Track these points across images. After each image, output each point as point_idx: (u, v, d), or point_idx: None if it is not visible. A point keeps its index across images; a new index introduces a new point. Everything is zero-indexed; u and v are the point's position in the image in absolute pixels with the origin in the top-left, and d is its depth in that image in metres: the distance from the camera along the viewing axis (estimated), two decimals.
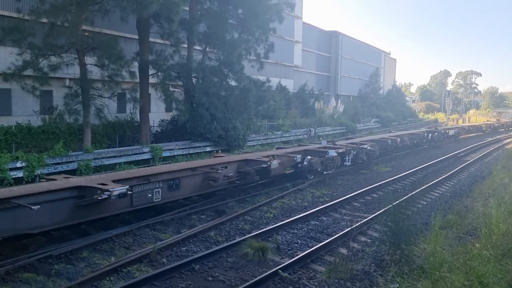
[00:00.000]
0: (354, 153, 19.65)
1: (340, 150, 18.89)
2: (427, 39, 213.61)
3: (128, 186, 10.07)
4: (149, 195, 11.21)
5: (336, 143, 21.24)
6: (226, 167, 13.90)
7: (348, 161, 19.27)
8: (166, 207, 12.54)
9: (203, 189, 13.24)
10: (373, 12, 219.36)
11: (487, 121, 59.74)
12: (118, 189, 9.65)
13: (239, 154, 18.27)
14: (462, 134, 39.54)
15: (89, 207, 9.77)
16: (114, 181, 10.34)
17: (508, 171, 19.25)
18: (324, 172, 17.79)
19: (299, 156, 16.78)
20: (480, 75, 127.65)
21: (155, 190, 11.35)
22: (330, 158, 17.97)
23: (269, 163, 14.73)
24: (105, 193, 9.43)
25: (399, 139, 25.59)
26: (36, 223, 9.00)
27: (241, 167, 14.54)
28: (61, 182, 10.14)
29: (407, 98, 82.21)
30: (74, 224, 10.02)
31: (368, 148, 20.91)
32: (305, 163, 16.91)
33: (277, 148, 19.54)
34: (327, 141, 22.02)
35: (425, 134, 31.37)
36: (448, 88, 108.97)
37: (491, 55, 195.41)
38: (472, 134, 43.52)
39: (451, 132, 36.21)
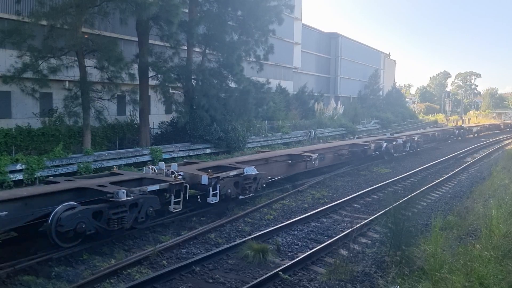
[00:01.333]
0: (410, 142, 26.32)
1: (404, 139, 25.61)
2: (426, 40, 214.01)
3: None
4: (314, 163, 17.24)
5: (395, 135, 28.62)
6: (343, 149, 21.01)
7: (407, 148, 26.03)
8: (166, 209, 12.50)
9: (335, 161, 20.48)
10: (372, 14, 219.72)
11: (504, 120, 67.55)
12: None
13: (348, 139, 26.29)
14: (483, 131, 46.38)
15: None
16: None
17: (508, 172, 19.25)
18: (395, 155, 24.54)
19: (384, 143, 23.55)
20: (480, 76, 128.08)
21: (319, 158, 17.73)
22: (400, 144, 24.83)
23: (368, 146, 21.96)
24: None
25: (436, 133, 33.44)
26: None
27: (352, 148, 21.75)
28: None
29: (406, 100, 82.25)
30: None
31: (417, 139, 27.68)
32: (383, 148, 23.44)
33: (358, 138, 27.61)
34: (391, 133, 29.94)
35: (454, 130, 38.42)
36: (447, 89, 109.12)
37: (490, 56, 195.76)
38: (490, 132, 49.47)
39: (475, 129, 43.68)
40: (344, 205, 14.21)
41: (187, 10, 22.81)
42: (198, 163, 14.74)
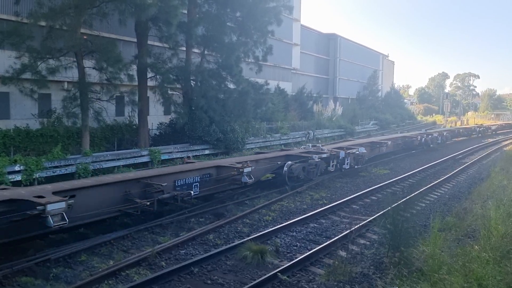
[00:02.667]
0: (441, 136, 33.13)
1: (437, 134, 32.72)
2: (425, 42, 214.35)
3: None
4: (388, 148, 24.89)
5: (427, 131, 35.09)
6: (396, 140, 27.53)
7: (439, 140, 32.47)
8: (165, 211, 12.51)
9: (395, 148, 26.79)
10: (371, 15, 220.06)
11: None
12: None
13: (399, 133, 34.65)
14: (499, 129, 52.73)
15: None
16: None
17: (506, 173, 19.28)
18: (431, 145, 30.97)
19: (425, 136, 30.62)
20: (478, 77, 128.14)
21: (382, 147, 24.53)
22: (435, 137, 31.90)
23: (418, 137, 29.31)
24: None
25: (461, 130, 41.69)
26: None
27: (404, 139, 28.30)
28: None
29: (405, 101, 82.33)
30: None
31: (446, 134, 34.53)
32: (423, 140, 29.82)
33: (400, 132, 36.39)
34: (425, 129, 37.45)
35: (475, 128, 46.11)
36: (446, 90, 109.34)
37: (489, 57, 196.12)
38: (506, 130, 54.62)
39: (493, 127, 51.34)
40: (342, 206, 14.22)
41: (186, 11, 22.80)
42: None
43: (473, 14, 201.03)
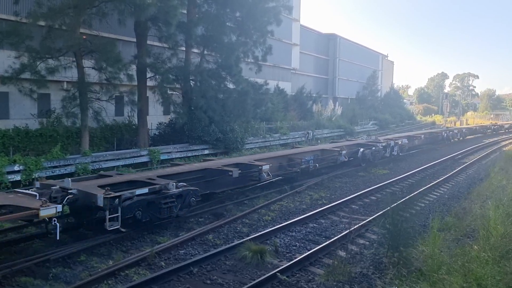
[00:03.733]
0: (461, 132, 38.47)
1: (457, 131, 37.92)
2: (424, 42, 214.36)
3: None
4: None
5: (450, 128, 41.70)
6: (426, 135, 32.37)
7: (459, 136, 37.95)
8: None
9: (426, 141, 31.86)
10: (370, 15, 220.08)
11: None
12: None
13: (426, 130, 39.99)
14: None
15: None
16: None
17: (506, 173, 19.29)
18: (452, 140, 36.10)
19: (447, 132, 35.76)
20: (478, 77, 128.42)
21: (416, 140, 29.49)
22: (455, 133, 37.06)
23: (442, 133, 34.19)
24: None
25: (478, 127, 47.75)
26: None
27: (431, 135, 33.17)
28: None
29: (404, 101, 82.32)
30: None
31: (464, 131, 39.77)
32: (445, 135, 34.05)
33: (431, 129, 42.20)
34: (446, 127, 43.30)
35: (490, 126, 51.61)
36: (445, 91, 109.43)
37: (488, 57, 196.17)
38: None
39: (506, 126, 57.01)
40: (342, 206, 14.22)
41: (185, 11, 22.82)
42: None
43: (472, 14, 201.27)
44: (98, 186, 10.32)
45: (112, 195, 9.48)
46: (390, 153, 23.88)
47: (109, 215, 9.47)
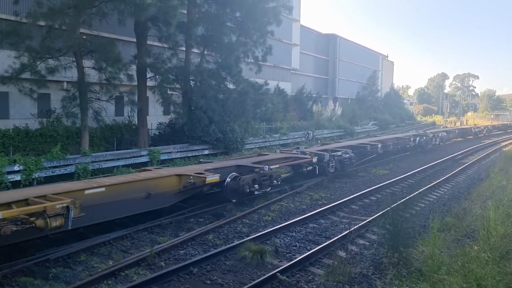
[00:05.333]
0: (484, 130, 45.49)
1: (479, 129, 44.01)
2: (424, 42, 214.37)
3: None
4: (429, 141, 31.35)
5: (471, 126, 47.71)
6: (460, 130, 41.77)
7: (484, 132, 45.66)
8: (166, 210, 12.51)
9: (458, 135, 40.07)
10: (370, 15, 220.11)
11: None
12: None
13: (442, 128, 45.94)
14: None
15: None
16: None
17: (506, 173, 19.29)
18: (479, 135, 42.92)
19: (474, 129, 43.79)
20: (478, 77, 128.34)
21: (451, 134, 38.01)
22: (481, 130, 43.98)
23: (471, 129, 43.02)
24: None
25: (497, 125, 54.48)
26: None
27: (462, 130, 41.41)
28: None
29: (404, 101, 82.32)
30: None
31: (482, 129, 45.26)
32: (473, 131, 41.27)
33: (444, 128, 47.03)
34: (461, 125, 50.25)
35: (510, 124, 57.76)
36: (445, 91, 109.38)
37: (488, 58, 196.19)
38: None
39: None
40: (342, 206, 14.22)
41: (185, 11, 22.81)
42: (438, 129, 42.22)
43: (472, 15, 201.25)
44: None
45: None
46: (435, 142, 31.58)
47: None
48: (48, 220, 8.28)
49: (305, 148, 20.04)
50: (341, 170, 19.11)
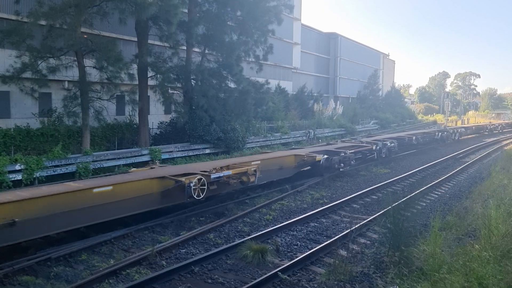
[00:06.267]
0: (499, 127, 49.82)
1: (497, 124, 49.54)
2: (425, 41, 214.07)
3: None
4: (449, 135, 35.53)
5: (491, 123, 52.25)
6: (476, 126, 47.42)
7: (499, 129, 49.13)
8: (163, 211, 12.52)
9: (474, 132, 44.79)
10: (371, 14, 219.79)
11: None
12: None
13: (475, 123, 52.89)
14: None
15: None
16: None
17: (507, 172, 19.26)
18: (494, 132, 47.16)
19: (490, 126, 48.63)
20: (479, 76, 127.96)
21: (468, 130, 43.20)
22: (496, 127, 49.63)
23: (487, 126, 48.67)
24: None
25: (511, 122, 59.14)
26: None
27: (478, 126, 47.31)
28: None
29: (406, 100, 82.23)
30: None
31: (497, 125, 51.13)
32: (489, 128, 47.50)
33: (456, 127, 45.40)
34: (490, 122, 54.62)
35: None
36: (447, 90, 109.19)
37: (489, 56, 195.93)
38: None
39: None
40: (343, 205, 14.22)
41: (186, 10, 22.81)
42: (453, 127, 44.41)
43: (474, 13, 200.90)
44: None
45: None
46: (454, 137, 35.42)
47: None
48: (249, 177, 13.11)
49: (362, 138, 27.04)
50: (389, 155, 23.93)
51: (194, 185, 11.40)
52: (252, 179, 13.21)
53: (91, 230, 10.65)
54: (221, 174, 12.43)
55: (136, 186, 10.93)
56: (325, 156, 17.67)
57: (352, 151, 19.64)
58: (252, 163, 14.10)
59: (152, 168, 13.92)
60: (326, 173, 17.99)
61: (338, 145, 21.81)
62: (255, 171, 13.36)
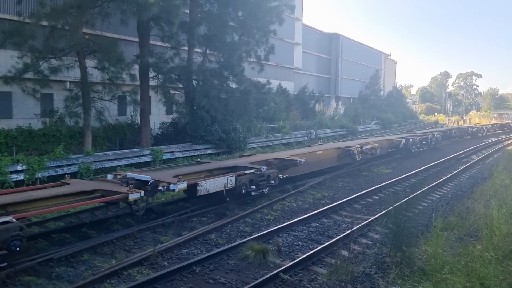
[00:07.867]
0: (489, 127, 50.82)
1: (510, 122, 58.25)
2: (427, 41, 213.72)
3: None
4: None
5: (500, 123, 55.65)
6: (491, 125, 51.84)
7: (508, 129, 53.70)
8: (167, 210, 12.54)
9: (492, 131, 49.04)
10: (373, 14, 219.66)
11: None
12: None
13: (464, 125, 50.83)
14: None
15: None
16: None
17: (509, 172, 19.23)
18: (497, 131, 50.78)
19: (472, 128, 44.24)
20: (481, 76, 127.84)
21: (485, 128, 46.90)
22: (502, 126, 54.06)
23: (478, 128, 44.92)
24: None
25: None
26: None
27: (490, 125, 50.85)
28: None
29: (407, 100, 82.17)
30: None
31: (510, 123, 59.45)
32: (479, 129, 44.33)
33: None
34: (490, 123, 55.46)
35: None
36: (448, 90, 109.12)
37: (491, 56, 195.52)
38: None
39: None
40: (344, 205, 14.21)
41: (187, 11, 22.82)
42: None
43: (475, 13, 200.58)
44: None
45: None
46: (483, 132, 42.50)
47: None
48: (376, 150, 22.28)
49: (394, 134, 31.33)
50: (420, 148, 27.83)
51: (357, 152, 19.98)
52: (378, 151, 22.29)
53: (92, 230, 10.68)
54: (367, 147, 21.14)
55: (328, 152, 19.59)
56: (403, 140, 25.50)
57: (417, 138, 27.66)
58: (373, 143, 22.53)
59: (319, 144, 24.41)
60: (404, 152, 25.88)
61: (383, 137, 28.22)
62: (377, 147, 22.21)
